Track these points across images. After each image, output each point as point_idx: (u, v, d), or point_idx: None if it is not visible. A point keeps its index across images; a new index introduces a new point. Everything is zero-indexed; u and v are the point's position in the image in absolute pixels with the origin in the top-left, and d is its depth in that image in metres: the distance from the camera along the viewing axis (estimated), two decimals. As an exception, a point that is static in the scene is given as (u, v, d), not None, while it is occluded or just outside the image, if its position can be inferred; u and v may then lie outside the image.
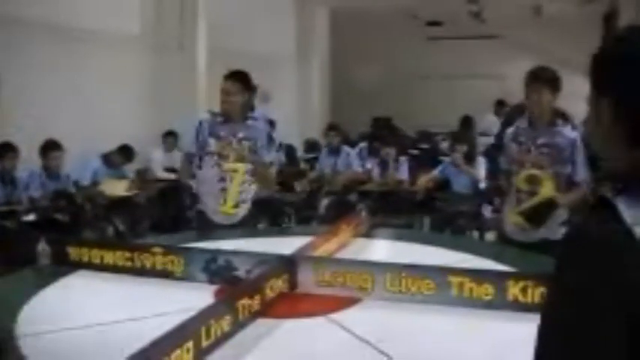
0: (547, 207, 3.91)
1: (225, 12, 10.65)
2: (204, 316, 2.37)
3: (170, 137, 9.22)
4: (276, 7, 12.93)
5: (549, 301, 1.10)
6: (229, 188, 4.63)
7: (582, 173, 4.00)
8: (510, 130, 4.30)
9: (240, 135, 4.67)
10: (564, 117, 4.37)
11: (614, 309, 0.99)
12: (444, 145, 9.43)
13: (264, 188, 4.99)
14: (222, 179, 4.64)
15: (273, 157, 4.96)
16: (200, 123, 4.73)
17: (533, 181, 4.00)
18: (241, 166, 4.63)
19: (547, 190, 3.94)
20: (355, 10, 15.25)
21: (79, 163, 7.87)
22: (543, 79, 4.01)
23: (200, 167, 4.74)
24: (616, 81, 1.18)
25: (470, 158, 7.48)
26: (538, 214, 3.94)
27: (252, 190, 4.80)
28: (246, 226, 4.77)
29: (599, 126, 1.20)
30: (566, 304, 1.04)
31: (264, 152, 4.76)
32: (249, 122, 4.76)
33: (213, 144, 4.65)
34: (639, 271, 0.99)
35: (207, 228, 4.66)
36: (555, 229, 3.97)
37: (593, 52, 1.26)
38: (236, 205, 4.68)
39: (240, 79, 4.71)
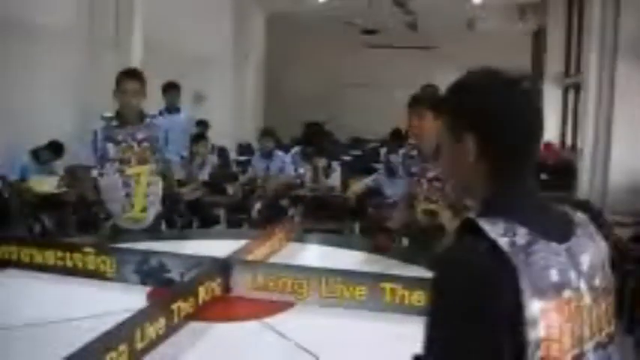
0: (434, 236, 3.84)
1: (162, 10, 10.55)
2: (139, 318, 2.36)
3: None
4: (213, 9, 12.87)
5: (428, 321, 1.28)
6: (135, 193, 4.47)
7: None
8: (401, 154, 4.25)
9: (140, 137, 4.46)
10: None
11: (483, 322, 1.21)
12: (383, 151, 9.52)
13: (166, 187, 4.78)
14: (126, 185, 4.45)
15: (171, 154, 4.83)
16: (95, 133, 4.43)
17: (430, 214, 3.98)
18: (144, 169, 4.49)
19: (444, 220, 3.90)
20: (292, 16, 15.30)
21: (7, 158, 7.67)
22: (424, 101, 3.84)
23: (101, 175, 4.50)
24: (482, 120, 1.37)
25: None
26: (423, 241, 3.96)
27: (158, 190, 4.64)
28: (156, 230, 4.62)
29: (462, 162, 1.40)
30: (442, 323, 1.26)
31: (164, 150, 4.65)
32: (147, 121, 4.57)
33: (112, 150, 4.41)
34: (502, 280, 1.22)
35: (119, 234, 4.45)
36: None
37: (451, 90, 1.45)
38: (144, 209, 4.53)
39: (138, 77, 4.52)
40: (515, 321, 1.21)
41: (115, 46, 9.53)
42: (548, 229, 1.31)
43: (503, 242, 1.24)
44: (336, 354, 2.47)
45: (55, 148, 8.20)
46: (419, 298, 2.86)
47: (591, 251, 1.38)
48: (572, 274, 1.31)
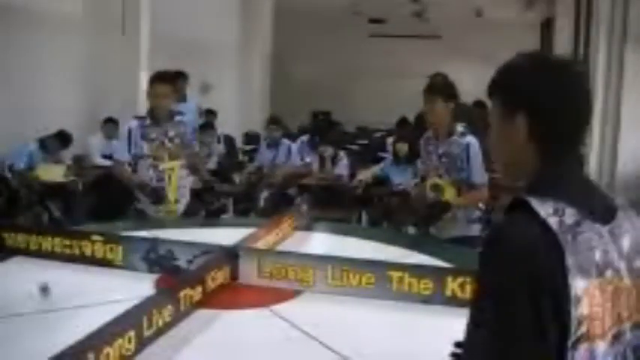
0: (439, 210, 4.15)
1: (170, -1, 10.52)
2: (147, 305, 2.37)
3: (109, 124, 8.98)
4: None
5: (476, 297, 1.32)
6: (168, 187, 4.76)
7: (479, 176, 4.17)
8: (423, 138, 4.48)
9: (171, 134, 4.80)
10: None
11: (530, 299, 1.23)
12: (389, 140, 9.53)
13: (198, 176, 5.20)
14: (160, 180, 4.74)
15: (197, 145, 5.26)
16: (130, 131, 4.78)
17: (436, 189, 4.20)
18: (176, 164, 4.81)
19: (448, 196, 4.16)
20: (299, 5, 15.26)
21: (14, 146, 7.68)
22: (436, 89, 4.19)
23: (135, 171, 4.81)
24: (533, 100, 1.39)
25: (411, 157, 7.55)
26: (429, 216, 4.22)
27: (188, 182, 5.01)
28: (186, 218, 4.88)
29: (513, 142, 1.42)
30: (489, 299, 1.27)
31: (193, 143, 5.08)
32: (177, 118, 4.91)
33: (146, 147, 4.74)
34: (550, 259, 1.25)
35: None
36: (467, 227, 4.23)
37: (504, 70, 1.46)
38: (176, 201, 4.82)
39: (169, 81, 4.88)
40: (561, 299, 1.24)
41: (122, 34, 9.50)
42: (593, 211, 1.34)
43: (552, 221, 1.27)
44: (343, 342, 2.46)
45: (63, 138, 8.18)
46: (426, 286, 2.86)
47: (631, 234, 1.42)
48: (614, 256, 1.35)
